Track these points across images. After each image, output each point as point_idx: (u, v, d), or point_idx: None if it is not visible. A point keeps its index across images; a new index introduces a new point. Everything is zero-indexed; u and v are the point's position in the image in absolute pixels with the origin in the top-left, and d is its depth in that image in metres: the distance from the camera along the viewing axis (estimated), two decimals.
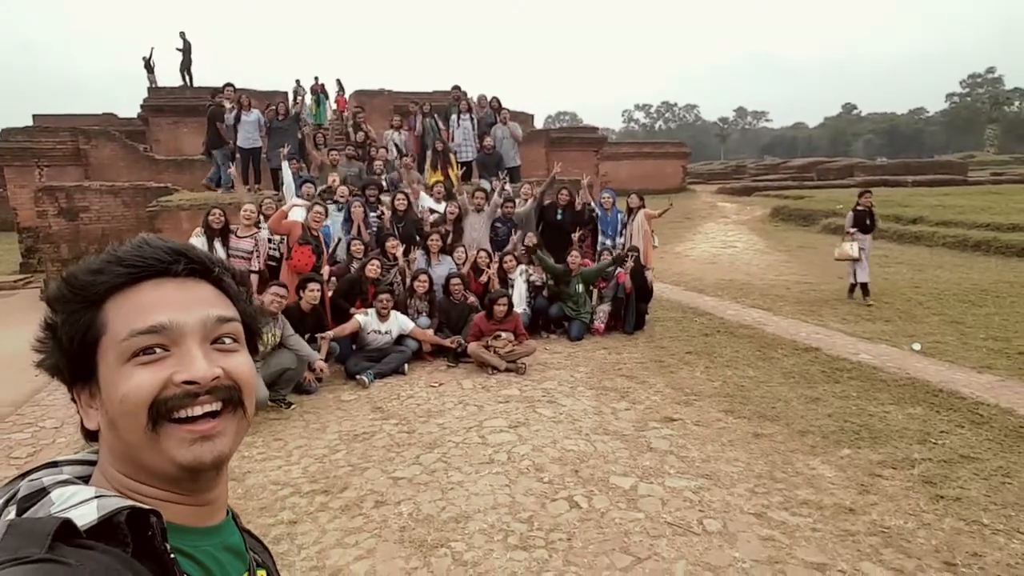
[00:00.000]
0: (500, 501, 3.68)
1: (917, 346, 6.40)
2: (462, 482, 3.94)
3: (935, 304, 8.33)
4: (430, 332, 6.65)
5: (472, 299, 7.05)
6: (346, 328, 6.15)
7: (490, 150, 11.55)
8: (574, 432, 4.64)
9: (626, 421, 4.83)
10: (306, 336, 5.78)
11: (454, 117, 12.19)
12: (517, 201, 8.98)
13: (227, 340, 0.69)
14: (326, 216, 7.19)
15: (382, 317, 6.31)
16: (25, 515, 0.57)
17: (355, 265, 6.98)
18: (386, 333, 6.32)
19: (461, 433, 4.71)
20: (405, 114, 12.61)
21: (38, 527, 0.54)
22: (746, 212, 20.00)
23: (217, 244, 6.30)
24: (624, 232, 8.75)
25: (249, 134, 10.71)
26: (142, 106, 16.97)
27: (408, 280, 7.03)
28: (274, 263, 6.96)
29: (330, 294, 6.61)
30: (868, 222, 8.66)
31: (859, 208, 8.78)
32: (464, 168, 11.87)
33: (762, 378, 5.68)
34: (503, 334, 6.28)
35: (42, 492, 0.59)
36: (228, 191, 10.65)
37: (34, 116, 17.83)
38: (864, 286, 8.53)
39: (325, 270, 6.80)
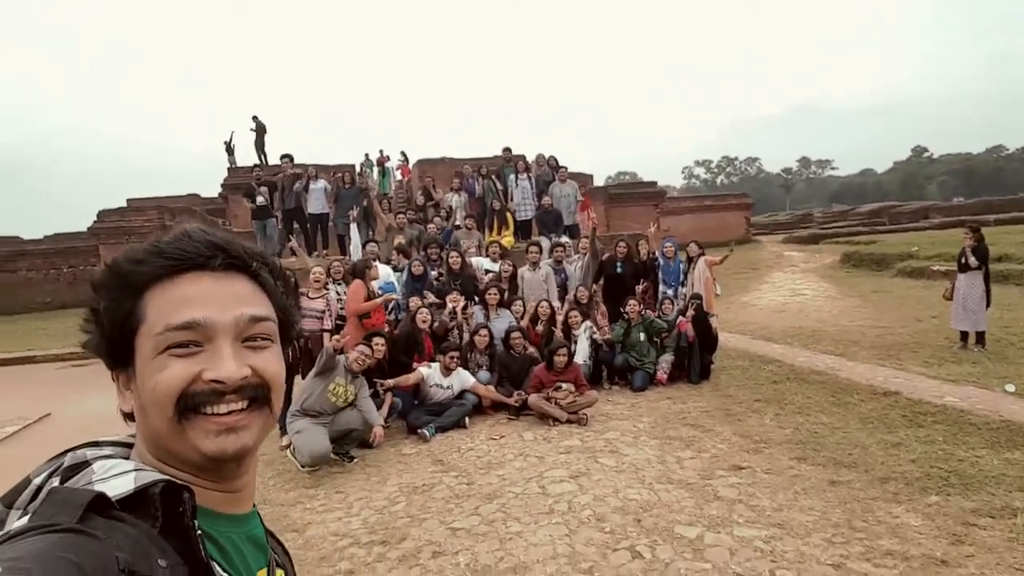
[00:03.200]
0: (560, 551, 3.57)
1: (1011, 387, 5.94)
2: (521, 532, 3.85)
3: None
4: (491, 388, 6.65)
5: (532, 351, 7.05)
6: (409, 378, 6.25)
7: (549, 208, 11.73)
8: (637, 481, 4.50)
9: (691, 470, 4.65)
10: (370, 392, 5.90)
11: (512, 177, 12.50)
12: (573, 255, 9.06)
13: (259, 339, 0.71)
14: (377, 275, 7.37)
15: (447, 371, 6.38)
16: (67, 484, 0.61)
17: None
18: (448, 388, 6.37)
19: (521, 484, 4.63)
20: (462, 176, 13.03)
21: (74, 497, 0.57)
22: (814, 260, 19.36)
23: None
24: (686, 281, 8.66)
25: (317, 201, 11.32)
26: (222, 185, 18.26)
27: (468, 335, 7.12)
28: (342, 322, 7.18)
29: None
30: (963, 260, 7.95)
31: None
32: (523, 226, 12.11)
33: (837, 424, 5.38)
34: (564, 385, 6.23)
35: (85, 463, 0.63)
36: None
37: (128, 200, 19.36)
38: (979, 335, 7.65)
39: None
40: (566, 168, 12.87)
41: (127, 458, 0.67)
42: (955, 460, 4.43)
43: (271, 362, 0.71)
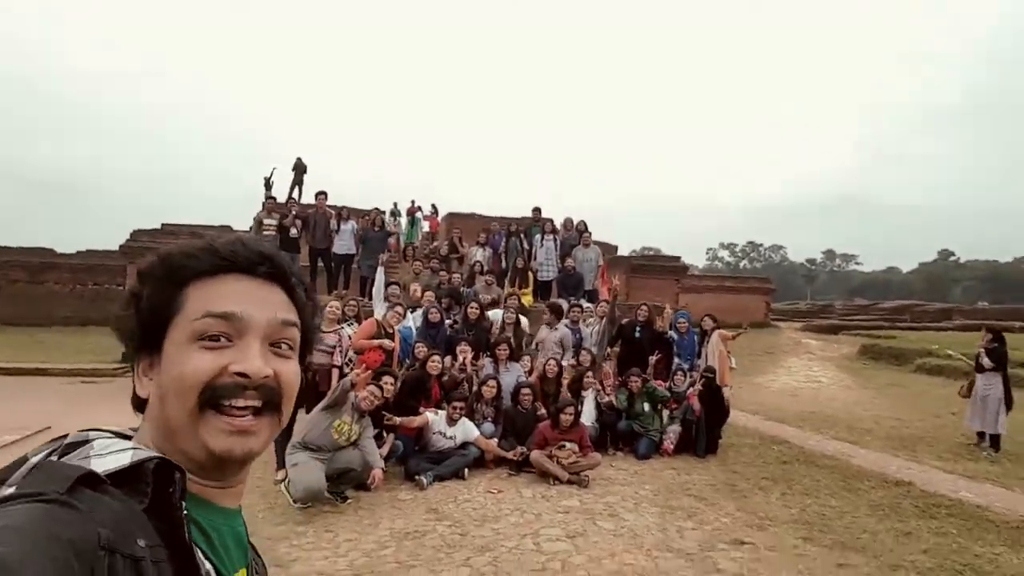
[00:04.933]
0: None
1: None
2: None
3: None
4: (494, 442, 6.55)
5: (541, 411, 6.95)
6: (414, 421, 6.19)
7: (571, 271, 11.79)
8: (635, 547, 4.35)
9: (692, 540, 4.50)
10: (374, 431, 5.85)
11: (538, 237, 12.64)
12: (590, 318, 9.09)
13: (284, 345, 0.74)
14: (404, 317, 7.45)
15: (451, 421, 6.32)
16: (64, 459, 0.62)
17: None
18: (451, 438, 6.29)
19: (515, 539, 4.50)
20: (489, 232, 13.22)
21: (64, 470, 0.57)
22: (832, 349, 19.13)
23: None
24: (700, 354, 8.60)
25: (344, 241, 11.53)
26: (254, 219, 18.63)
27: (476, 385, 7.08)
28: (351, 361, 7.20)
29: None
30: (978, 361, 7.73)
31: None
32: (543, 287, 12.18)
33: (846, 508, 5.20)
34: (568, 444, 6.13)
35: (85, 441, 0.64)
36: None
37: (163, 224, 19.77)
38: (993, 437, 7.37)
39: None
40: (591, 234, 13.02)
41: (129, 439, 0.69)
42: (971, 555, 4.25)
43: (291, 372, 0.74)
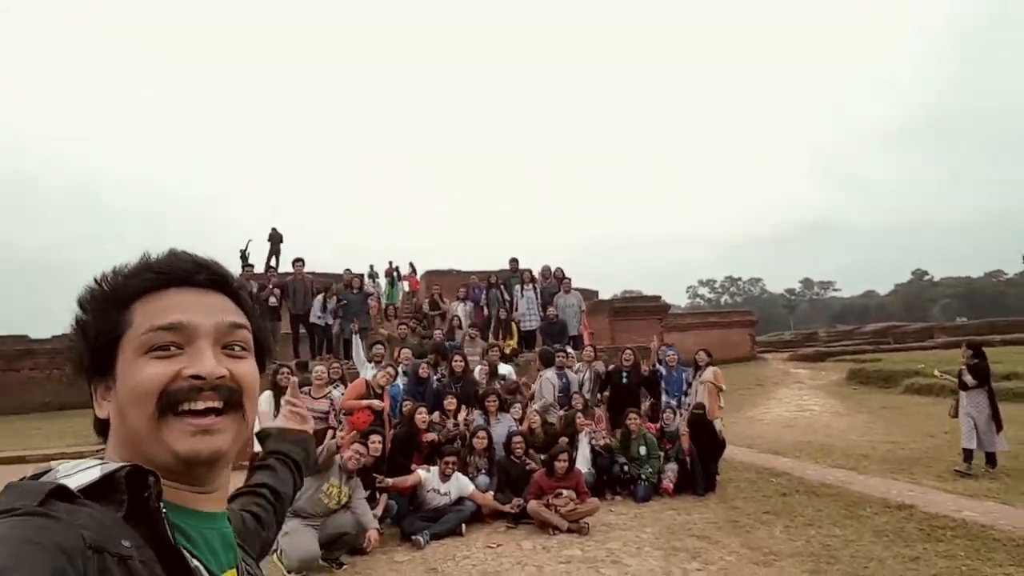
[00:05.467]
0: None
1: None
2: None
3: None
4: (489, 496, 6.41)
5: (532, 465, 6.84)
6: (407, 480, 6.06)
7: (554, 319, 11.81)
8: None
9: None
10: (366, 493, 5.71)
11: (518, 288, 12.69)
12: (576, 363, 9.10)
13: (236, 347, 0.75)
14: (395, 377, 7.38)
15: (444, 477, 6.19)
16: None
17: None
18: (445, 494, 6.16)
19: None
20: (468, 287, 13.26)
21: (34, 488, 0.57)
22: (821, 377, 19.19)
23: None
24: (689, 391, 8.60)
25: (320, 314, 11.48)
26: None
27: (468, 438, 6.98)
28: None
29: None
30: (961, 378, 7.60)
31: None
32: (527, 336, 12.16)
33: (851, 537, 5.12)
34: (564, 492, 6.02)
35: (48, 470, 0.63)
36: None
37: None
38: (989, 455, 7.19)
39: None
40: (570, 280, 13.10)
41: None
42: None
43: (247, 369, 0.75)
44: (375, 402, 6.71)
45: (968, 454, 7.23)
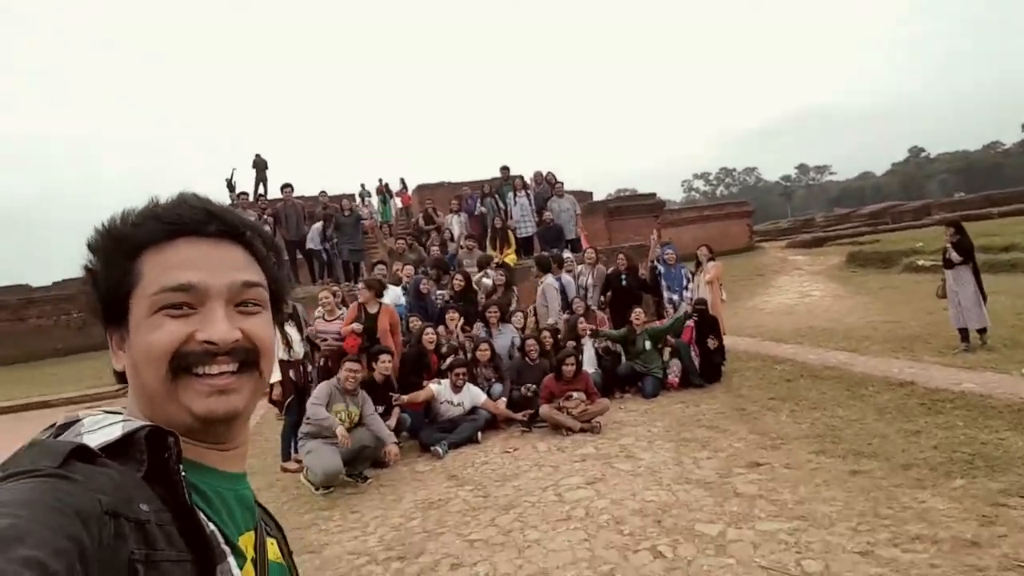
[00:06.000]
0: (580, 556, 3.50)
1: None
2: (539, 540, 3.78)
3: None
4: (502, 404, 6.57)
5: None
6: (420, 395, 6.22)
7: (550, 223, 11.73)
8: (654, 483, 4.42)
9: (709, 469, 4.57)
10: (379, 409, 5.85)
11: (510, 195, 12.54)
12: (577, 267, 9.12)
13: (251, 304, 0.71)
14: (381, 295, 7.31)
15: (456, 388, 6.34)
16: (57, 438, 0.60)
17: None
18: (459, 405, 6.32)
19: (537, 493, 4.56)
20: (461, 199, 13.09)
21: (56, 447, 0.56)
22: (819, 262, 19.27)
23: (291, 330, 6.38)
24: (690, 287, 8.64)
25: (315, 239, 11.42)
26: None
27: (471, 351, 7.09)
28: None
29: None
30: (946, 256, 7.53)
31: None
32: (524, 243, 12.13)
33: (854, 416, 5.29)
34: (575, 394, 6.18)
35: (76, 421, 0.62)
36: None
37: None
38: (979, 331, 7.20)
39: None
40: (562, 184, 12.91)
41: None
42: (978, 443, 4.34)
43: (262, 327, 0.72)
44: (355, 326, 6.72)
45: (964, 333, 7.28)
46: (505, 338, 7.52)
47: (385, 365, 6.03)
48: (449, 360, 6.66)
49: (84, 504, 0.50)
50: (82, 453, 0.56)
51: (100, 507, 0.51)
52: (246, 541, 0.69)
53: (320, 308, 6.95)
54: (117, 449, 0.59)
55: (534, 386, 6.49)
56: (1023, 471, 3.84)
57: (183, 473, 0.60)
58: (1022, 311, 8.80)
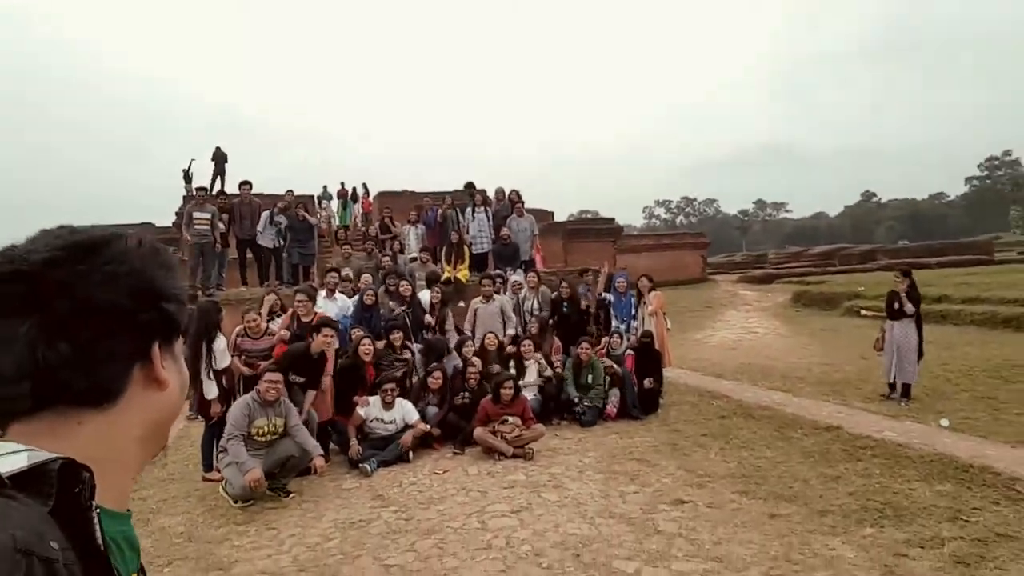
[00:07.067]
0: None
1: (945, 422, 6.10)
2: (457, 568, 3.74)
3: (965, 381, 8.02)
4: (431, 428, 6.45)
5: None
6: (352, 421, 6.15)
7: (507, 240, 11.67)
8: (578, 516, 4.42)
9: (634, 504, 4.60)
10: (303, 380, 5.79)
11: (469, 210, 12.50)
12: (525, 289, 9.08)
13: None
14: (313, 302, 7.17)
15: (386, 405, 6.24)
16: None
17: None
18: (391, 422, 6.22)
19: (460, 519, 4.51)
20: (420, 209, 13.00)
21: None
22: (767, 299, 19.82)
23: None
24: (636, 316, 8.71)
25: (269, 235, 11.15)
26: (176, 213, 17.84)
27: (421, 375, 6.99)
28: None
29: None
30: (896, 305, 7.42)
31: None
32: (478, 260, 12.08)
33: (780, 458, 5.41)
34: (510, 418, 6.16)
35: None
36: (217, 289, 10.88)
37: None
38: (905, 387, 7.23)
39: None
40: (523, 203, 12.93)
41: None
42: (890, 492, 4.48)
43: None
44: (283, 332, 6.58)
45: (892, 387, 7.39)
46: (451, 363, 7.41)
47: (325, 340, 5.88)
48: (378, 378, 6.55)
49: None
50: None
51: (13, 544, 0.47)
52: None
53: (242, 326, 6.55)
54: (22, 479, 0.54)
55: (467, 393, 6.43)
56: (926, 522, 3.98)
57: (97, 510, 0.56)
58: (947, 362, 9.19)
